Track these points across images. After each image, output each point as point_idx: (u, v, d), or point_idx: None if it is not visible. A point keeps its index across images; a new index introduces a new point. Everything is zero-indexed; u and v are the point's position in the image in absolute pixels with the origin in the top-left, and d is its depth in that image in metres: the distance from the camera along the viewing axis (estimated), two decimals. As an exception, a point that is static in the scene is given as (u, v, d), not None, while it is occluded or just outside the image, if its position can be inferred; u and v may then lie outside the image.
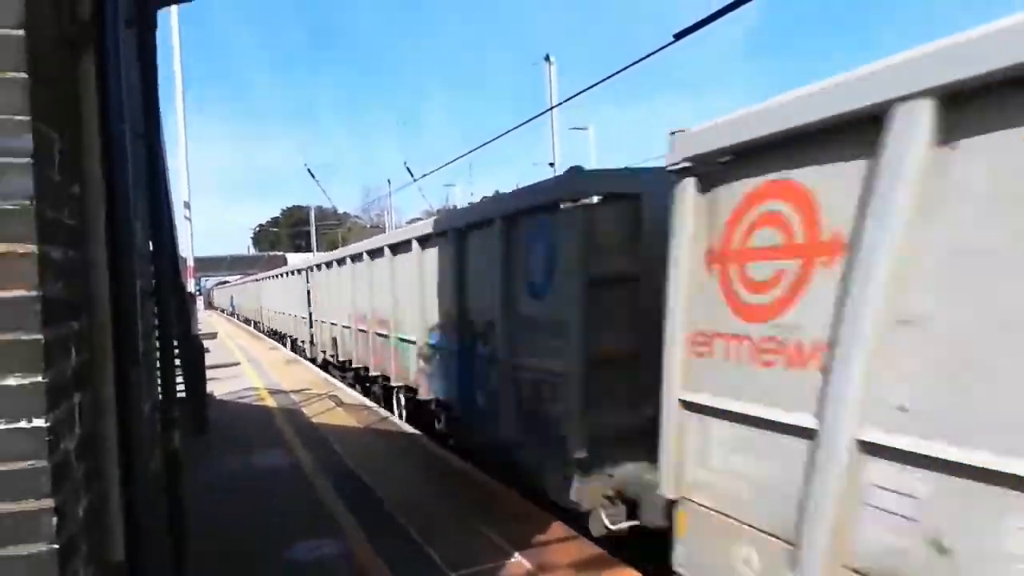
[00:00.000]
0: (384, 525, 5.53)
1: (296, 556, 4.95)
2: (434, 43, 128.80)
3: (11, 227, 1.47)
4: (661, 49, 6.00)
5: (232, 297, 50.40)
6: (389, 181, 43.26)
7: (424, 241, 8.52)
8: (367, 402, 11.44)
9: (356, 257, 11.64)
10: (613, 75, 7.43)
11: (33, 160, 1.50)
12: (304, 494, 6.47)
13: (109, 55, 2.01)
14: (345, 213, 65.45)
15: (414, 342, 8.90)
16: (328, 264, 14.15)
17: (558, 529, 5.28)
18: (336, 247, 29.81)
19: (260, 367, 17.25)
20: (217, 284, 65.06)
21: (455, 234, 7.39)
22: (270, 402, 11.87)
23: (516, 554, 4.81)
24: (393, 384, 10.23)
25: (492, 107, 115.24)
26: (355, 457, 7.75)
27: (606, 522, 5.11)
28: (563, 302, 5.39)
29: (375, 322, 10.70)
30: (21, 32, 1.48)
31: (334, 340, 13.92)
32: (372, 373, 11.18)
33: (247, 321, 39.10)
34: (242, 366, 17.49)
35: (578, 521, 5.47)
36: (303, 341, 18.14)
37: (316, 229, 52.12)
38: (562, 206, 5.32)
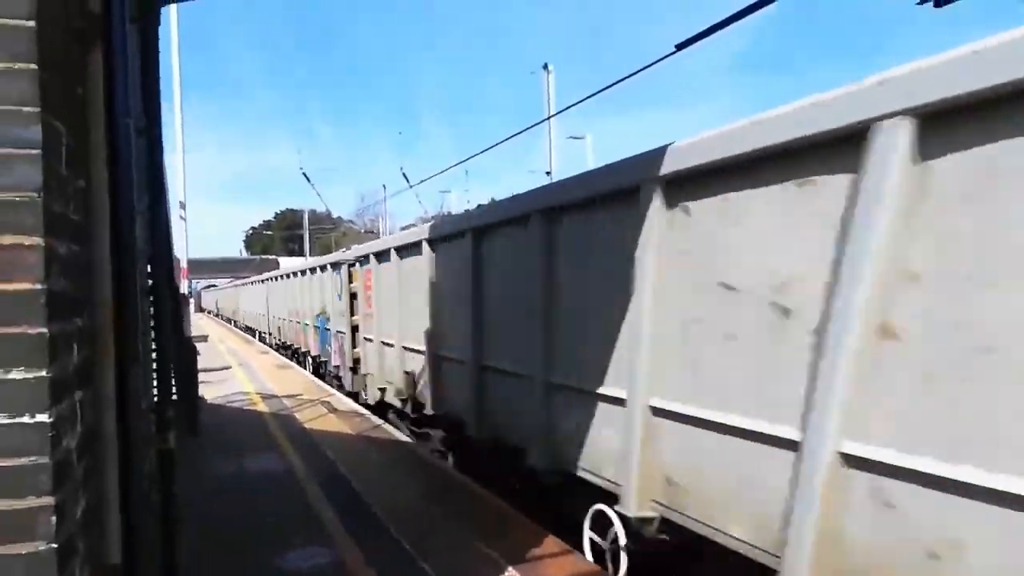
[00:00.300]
0: (376, 534, 5.49)
1: (286, 564, 4.90)
2: (432, 51, 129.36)
3: (18, 219, 1.45)
4: (662, 59, 6.02)
5: (217, 300, 55.32)
6: (384, 186, 43.21)
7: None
8: (360, 409, 11.37)
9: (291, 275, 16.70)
10: (613, 84, 7.46)
11: (42, 152, 1.49)
12: (295, 499, 6.41)
13: (116, 49, 2.00)
14: (339, 217, 65.46)
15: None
16: (275, 278, 22.44)
17: (552, 543, 5.24)
18: (330, 251, 29.61)
19: (251, 371, 17.14)
20: (204, 287, 65.13)
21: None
22: (262, 407, 11.78)
23: (509, 568, 4.77)
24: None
25: (489, 115, 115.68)
26: (347, 463, 7.70)
27: None
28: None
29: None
30: (32, 23, 1.47)
31: (279, 328, 22.40)
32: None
33: (228, 320, 44.23)
34: (233, 370, 17.37)
35: (571, 535, 5.45)
36: (263, 331, 26.43)
37: (310, 233, 52.04)
38: None
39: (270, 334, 24.63)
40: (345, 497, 6.45)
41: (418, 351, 8.66)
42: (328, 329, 14.25)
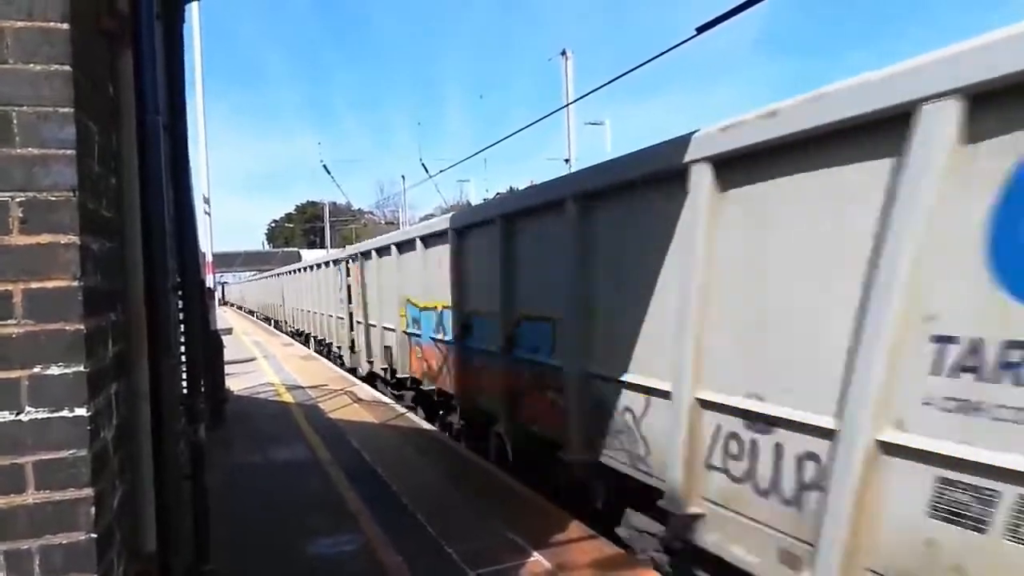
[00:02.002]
0: (402, 521, 5.55)
1: (314, 550, 4.98)
2: (451, 39, 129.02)
3: (55, 218, 1.49)
4: (682, 43, 5.94)
5: (241, 292, 60.43)
6: (403, 177, 43.35)
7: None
8: (383, 398, 11.49)
9: (300, 270, 20.32)
10: (633, 70, 7.38)
11: (76, 152, 1.52)
12: (322, 487, 6.51)
13: (144, 48, 2.03)
14: (359, 209, 65.82)
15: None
16: (288, 272, 25.96)
17: (576, 528, 5.27)
18: (350, 243, 30.77)
19: (276, 362, 17.36)
20: (223, 282, 66.64)
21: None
22: (287, 397, 11.94)
23: (535, 553, 4.81)
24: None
25: (508, 103, 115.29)
26: (372, 452, 7.79)
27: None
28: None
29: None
30: (66, 26, 1.49)
31: (292, 316, 25.10)
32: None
33: (250, 312, 47.91)
34: (258, 361, 17.61)
35: (596, 520, 5.47)
36: (279, 320, 29.42)
37: (330, 225, 52.39)
38: None
39: (285, 322, 27.65)
40: (370, 485, 6.53)
41: (391, 329, 10.99)
42: (331, 315, 16.80)
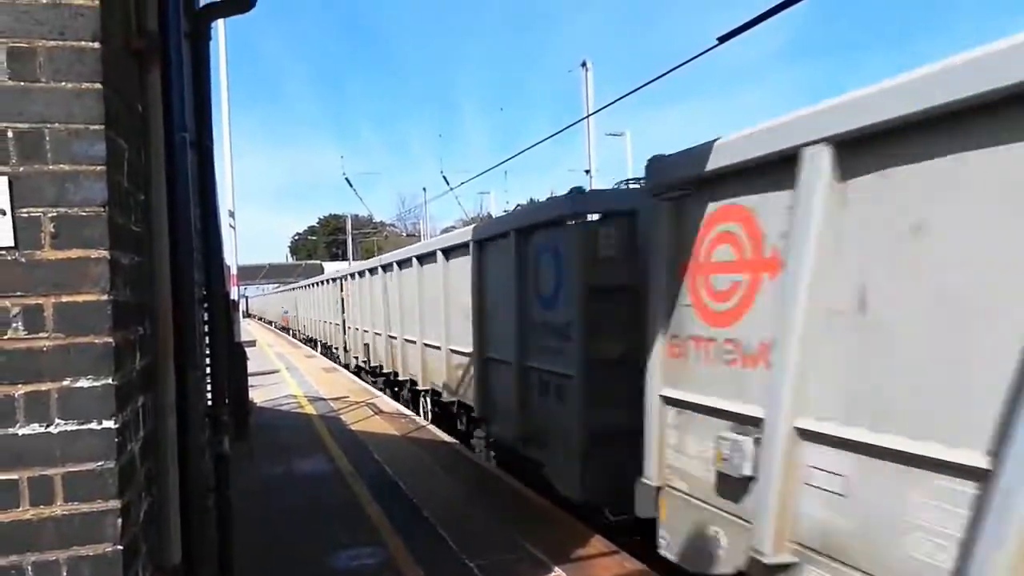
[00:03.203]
0: (423, 533, 5.54)
1: (337, 563, 4.98)
2: (470, 51, 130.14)
3: (86, 233, 1.51)
4: (704, 53, 5.92)
5: (261, 304, 64.27)
6: (424, 189, 43.69)
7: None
8: (404, 410, 11.52)
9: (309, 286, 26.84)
10: (654, 80, 7.37)
11: (106, 168, 1.54)
12: (344, 499, 6.52)
13: (172, 66, 2.07)
14: (381, 221, 66.33)
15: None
16: (303, 287, 31.13)
17: (597, 543, 5.21)
18: (372, 255, 33.13)
19: (299, 375, 17.49)
20: (245, 296, 67.85)
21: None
22: (309, 409, 12.01)
23: (556, 568, 4.76)
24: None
25: (528, 114, 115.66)
26: (393, 464, 7.79)
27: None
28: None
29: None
30: (97, 45, 1.53)
31: (304, 326, 30.49)
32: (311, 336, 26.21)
33: (269, 322, 52.92)
34: (281, 373, 17.76)
35: (618, 535, 5.41)
36: (295, 329, 34.77)
37: (352, 237, 52.86)
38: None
39: (298, 331, 33.44)
40: (392, 497, 6.53)
41: (375, 333, 14.39)
42: (329, 322, 21.97)
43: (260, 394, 13.10)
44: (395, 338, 12.31)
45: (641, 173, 5.31)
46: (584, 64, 20.54)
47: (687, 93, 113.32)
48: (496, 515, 5.92)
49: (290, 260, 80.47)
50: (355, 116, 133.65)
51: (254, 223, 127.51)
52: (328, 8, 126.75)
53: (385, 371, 13.38)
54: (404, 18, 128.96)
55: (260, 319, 57.63)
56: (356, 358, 17.07)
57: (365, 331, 15.39)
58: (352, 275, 17.00)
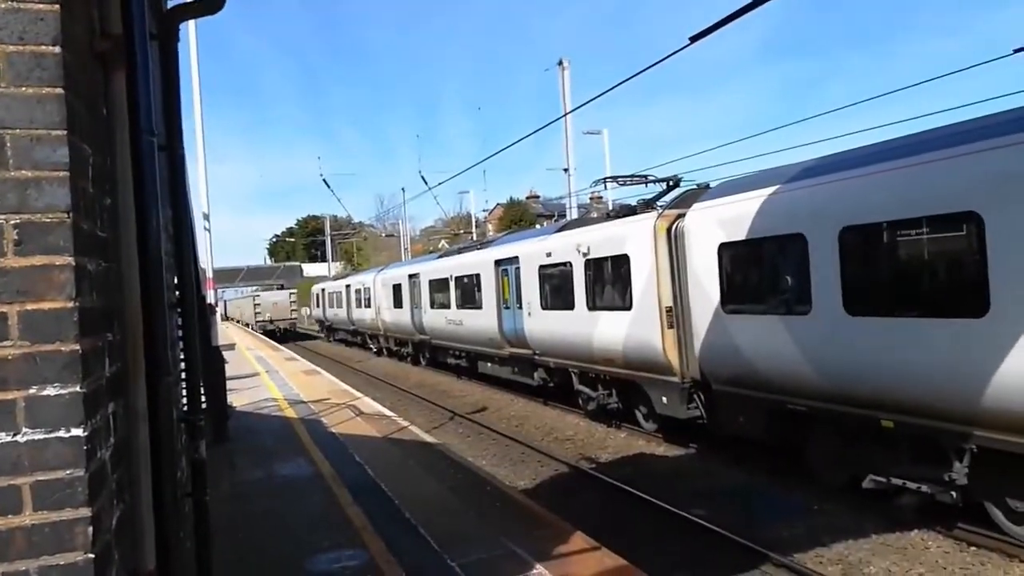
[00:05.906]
0: (405, 534, 5.53)
1: (317, 567, 4.96)
2: (449, 51, 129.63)
3: (50, 239, 1.50)
4: (676, 52, 5.99)
5: (238, 307, 64.12)
6: (403, 190, 43.55)
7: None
8: (385, 411, 11.47)
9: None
10: (628, 79, 7.43)
11: (70, 174, 1.53)
12: (324, 502, 6.49)
13: (138, 68, 2.04)
14: (360, 222, 65.94)
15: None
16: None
17: (578, 539, 5.24)
18: (351, 256, 34.05)
19: (279, 377, 17.34)
20: (222, 298, 67.34)
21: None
22: (290, 412, 11.91)
23: (538, 565, 4.78)
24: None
25: (507, 113, 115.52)
26: (374, 466, 7.76)
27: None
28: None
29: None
30: (58, 49, 1.51)
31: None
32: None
33: (246, 324, 55.07)
34: (260, 376, 17.59)
35: (597, 533, 5.45)
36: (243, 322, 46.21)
37: (331, 239, 52.51)
38: None
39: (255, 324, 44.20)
40: (373, 499, 6.51)
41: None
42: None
43: (240, 398, 12.97)
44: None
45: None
46: (561, 63, 20.59)
47: (667, 91, 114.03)
48: (477, 513, 5.93)
49: (268, 262, 79.64)
50: (333, 117, 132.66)
51: (231, 225, 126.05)
52: (306, 8, 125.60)
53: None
54: (383, 18, 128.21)
55: (237, 321, 57.45)
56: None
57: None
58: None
